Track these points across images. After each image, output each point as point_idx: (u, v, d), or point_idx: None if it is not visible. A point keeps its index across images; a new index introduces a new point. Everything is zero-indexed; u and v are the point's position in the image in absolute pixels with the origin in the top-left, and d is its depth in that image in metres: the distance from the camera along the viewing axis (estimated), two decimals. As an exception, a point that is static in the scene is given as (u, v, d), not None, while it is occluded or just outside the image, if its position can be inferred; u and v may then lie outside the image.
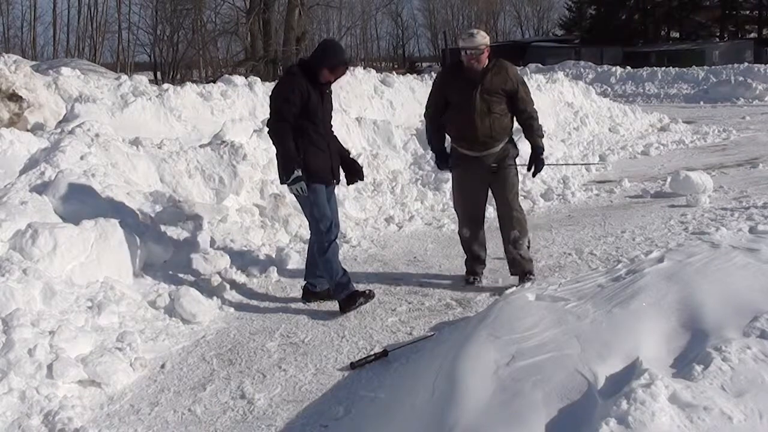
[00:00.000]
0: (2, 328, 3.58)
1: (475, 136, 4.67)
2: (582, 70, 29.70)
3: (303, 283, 4.79)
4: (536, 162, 4.86)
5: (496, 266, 5.17)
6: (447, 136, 4.97)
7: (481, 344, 2.93)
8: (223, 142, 6.81)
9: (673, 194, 7.53)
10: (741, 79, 21.93)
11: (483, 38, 4.60)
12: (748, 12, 46.69)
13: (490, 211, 5.49)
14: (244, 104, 9.64)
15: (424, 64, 50.25)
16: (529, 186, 7.67)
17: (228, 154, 6.54)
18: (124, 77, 10.42)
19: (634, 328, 2.80)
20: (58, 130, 7.06)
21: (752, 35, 45.62)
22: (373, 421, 3.08)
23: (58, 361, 3.44)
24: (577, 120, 12.91)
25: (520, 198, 5.34)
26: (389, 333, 4.20)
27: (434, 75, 21.52)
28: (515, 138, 4.97)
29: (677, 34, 47.21)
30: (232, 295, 4.81)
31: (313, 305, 4.68)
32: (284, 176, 4.38)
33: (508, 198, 4.81)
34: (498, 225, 4.97)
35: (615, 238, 6.03)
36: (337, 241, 4.57)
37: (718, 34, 46.31)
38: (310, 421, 3.22)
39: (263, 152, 6.88)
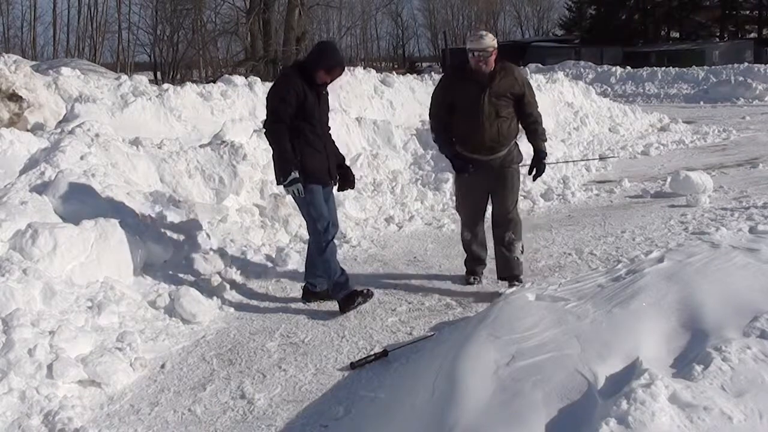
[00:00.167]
0: (2, 328, 3.58)
1: (482, 141, 4.60)
2: (582, 70, 29.70)
3: (303, 283, 4.79)
4: (538, 165, 4.81)
5: (495, 266, 5.16)
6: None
7: (481, 344, 2.93)
8: (223, 142, 6.81)
9: (673, 194, 7.53)
10: (741, 79, 21.93)
11: (492, 40, 4.51)
12: (748, 12, 46.70)
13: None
14: (244, 104, 9.64)
15: (424, 64, 50.26)
16: (529, 186, 7.67)
17: (228, 154, 6.54)
18: (124, 77, 10.42)
19: (634, 328, 2.80)
20: (58, 130, 7.06)
21: (752, 35, 45.63)
22: (373, 421, 3.08)
23: (58, 361, 3.44)
24: (577, 120, 12.91)
25: (520, 198, 5.34)
26: (389, 333, 4.20)
27: (434, 75, 21.39)
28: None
29: (677, 34, 47.23)
30: (232, 295, 4.81)
31: (313, 305, 4.68)
32: (281, 177, 4.39)
33: (507, 201, 4.78)
34: (492, 225, 4.91)
35: (615, 238, 6.03)
36: (336, 241, 4.57)
37: (718, 34, 46.32)
38: (310, 421, 3.22)
39: (263, 152, 6.88)
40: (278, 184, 4.53)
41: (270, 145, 4.43)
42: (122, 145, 6.25)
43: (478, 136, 4.59)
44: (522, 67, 26.93)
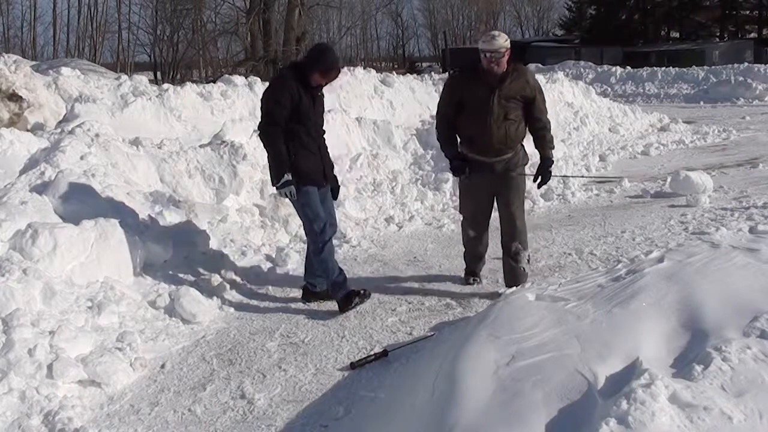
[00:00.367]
0: (2, 328, 3.58)
1: (489, 143, 4.53)
2: (582, 70, 29.71)
3: (303, 283, 4.79)
4: (543, 173, 4.75)
5: (496, 266, 5.16)
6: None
7: (481, 344, 2.93)
8: (223, 142, 6.81)
9: (673, 194, 7.53)
10: (741, 79, 21.94)
11: (504, 41, 4.42)
12: (748, 12, 46.71)
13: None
14: (244, 104, 9.64)
15: (424, 64, 50.28)
16: (528, 186, 7.64)
17: (228, 154, 6.54)
18: (124, 77, 10.42)
19: (634, 328, 2.79)
20: (58, 130, 7.06)
21: (752, 35, 45.65)
22: (373, 421, 3.08)
23: (58, 361, 3.44)
24: (577, 120, 12.91)
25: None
26: (389, 333, 4.20)
27: (434, 75, 21.27)
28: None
29: (677, 34, 47.24)
30: (232, 295, 4.81)
31: (313, 305, 4.68)
32: (274, 180, 4.40)
33: (513, 207, 4.70)
34: (499, 228, 4.84)
35: (615, 238, 6.03)
36: (336, 241, 4.57)
37: (718, 34, 46.33)
38: (310, 421, 3.22)
39: (263, 152, 6.83)
40: (273, 185, 4.54)
41: (264, 146, 4.44)
42: (122, 145, 6.25)
43: (486, 138, 4.53)
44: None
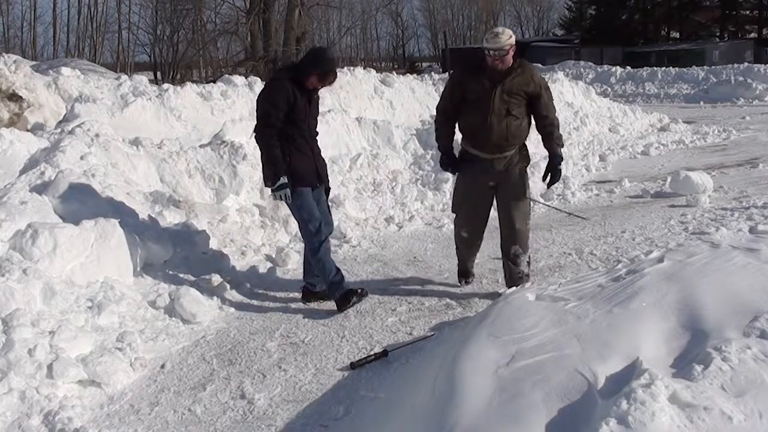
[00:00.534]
0: (2, 328, 3.58)
1: (488, 138, 4.43)
2: (582, 70, 29.73)
3: (302, 283, 4.79)
4: (553, 171, 4.62)
5: (496, 266, 5.16)
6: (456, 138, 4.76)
7: (481, 344, 2.93)
8: (223, 142, 6.81)
9: (673, 194, 7.53)
10: (741, 79, 21.96)
11: (508, 38, 4.33)
12: (748, 12, 46.71)
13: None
14: (244, 104, 9.64)
15: (424, 64, 50.30)
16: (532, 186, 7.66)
17: (228, 154, 6.54)
18: (124, 77, 10.42)
19: (634, 328, 2.80)
20: (58, 130, 7.06)
21: (752, 35, 45.66)
22: (373, 421, 3.08)
23: (58, 361, 3.44)
24: (577, 120, 12.91)
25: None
26: (389, 333, 4.20)
27: (434, 75, 21.17)
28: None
29: (677, 34, 47.25)
30: (232, 295, 4.81)
31: (313, 305, 4.68)
32: (269, 182, 4.42)
33: (512, 209, 4.58)
34: (499, 229, 4.75)
35: (615, 238, 6.03)
36: (336, 241, 4.57)
37: (718, 34, 46.33)
38: (310, 421, 3.22)
39: (263, 152, 6.88)
40: (266, 185, 4.56)
41: (259, 148, 4.43)
42: (122, 145, 6.25)
43: (486, 133, 4.44)
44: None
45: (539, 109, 4.52)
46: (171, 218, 5.56)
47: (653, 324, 2.82)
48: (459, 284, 4.99)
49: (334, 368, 3.76)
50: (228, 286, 4.87)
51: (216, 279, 4.90)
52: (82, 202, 4.97)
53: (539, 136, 4.68)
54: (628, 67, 28.69)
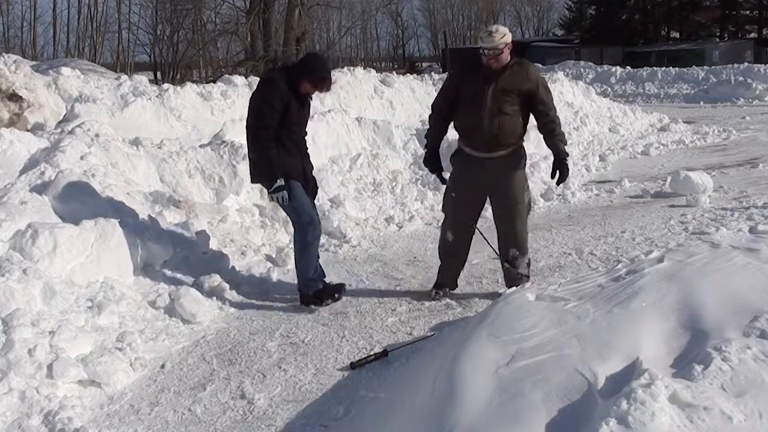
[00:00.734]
0: (2, 328, 3.58)
1: (480, 136, 4.37)
2: (582, 70, 29.74)
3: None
4: (560, 168, 4.46)
5: (496, 266, 5.16)
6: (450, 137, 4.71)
7: (481, 344, 2.93)
8: (223, 142, 6.81)
9: (673, 194, 7.53)
10: (741, 79, 21.97)
11: (502, 36, 4.27)
12: (748, 12, 46.73)
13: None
14: (244, 104, 9.50)
15: (424, 64, 50.29)
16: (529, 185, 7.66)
17: (228, 154, 6.54)
18: (124, 77, 10.43)
19: (634, 328, 2.79)
20: (58, 130, 7.06)
21: (752, 35, 45.67)
22: (373, 421, 3.08)
23: (58, 361, 3.44)
24: (577, 120, 12.92)
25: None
26: (389, 333, 4.20)
27: (434, 75, 21.19)
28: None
29: (677, 34, 47.26)
30: (232, 295, 4.80)
31: (313, 305, 4.67)
32: (266, 184, 4.44)
33: (508, 210, 4.51)
34: (496, 231, 4.70)
35: (615, 238, 6.03)
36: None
37: (718, 34, 46.34)
38: (310, 421, 3.22)
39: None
40: (252, 182, 4.65)
41: (253, 148, 4.42)
42: (122, 145, 6.25)
43: (478, 131, 4.36)
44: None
45: (538, 107, 4.43)
46: (171, 218, 5.55)
47: (653, 324, 2.82)
48: (429, 295, 4.71)
49: (334, 368, 3.76)
50: (228, 286, 4.87)
51: (216, 279, 4.90)
52: (82, 202, 4.97)
53: (540, 136, 4.62)
54: (628, 67, 28.70)
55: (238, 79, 10.55)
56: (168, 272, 4.94)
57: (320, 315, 4.52)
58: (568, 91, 14.41)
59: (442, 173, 4.76)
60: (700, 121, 15.32)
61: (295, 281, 4.87)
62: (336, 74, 11.05)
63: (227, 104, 9.49)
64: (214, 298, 4.67)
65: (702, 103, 20.65)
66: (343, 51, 52.93)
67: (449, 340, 3.58)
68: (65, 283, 4.26)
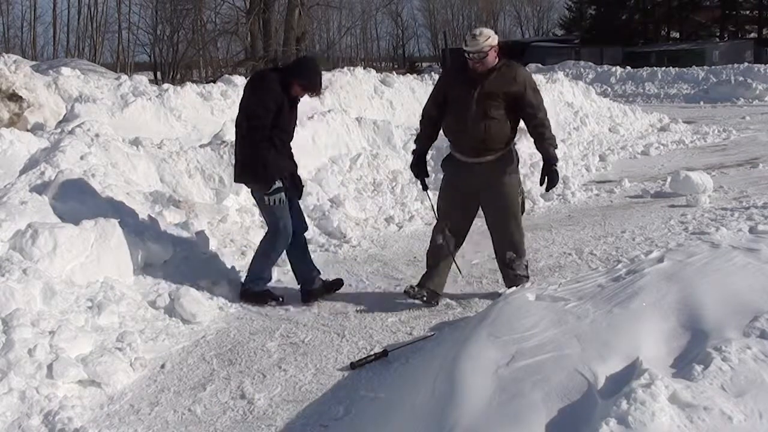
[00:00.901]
0: (2, 328, 3.58)
1: (468, 141, 4.32)
2: (582, 70, 29.72)
3: (298, 286, 4.80)
4: (549, 174, 4.39)
5: (496, 266, 5.15)
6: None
7: (481, 344, 2.93)
8: (223, 142, 6.81)
9: (673, 194, 7.53)
10: (741, 79, 21.97)
11: (486, 39, 4.18)
12: (748, 12, 46.74)
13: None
14: (244, 104, 9.64)
15: (424, 64, 50.26)
16: (528, 186, 7.66)
17: (228, 154, 6.54)
18: (124, 77, 10.44)
19: (634, 328, 2.79)
20: (58, 130, 7.07)
21: (752, 35, 45.68)
22: (373, 421, 3.08)
23: (58, 361, 3.44)
24: (577, 120, 12.92)
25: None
26: (389, 333, 4.20)
27: (434, 75, 21.27)
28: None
29: (677, 34, 47.27)
30: (232, 295, 4.80)
31: (313, 305, 4.68)
32: (264, 185, 4.45)
33: (500, 215, 4.45)
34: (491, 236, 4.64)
35: (615, 238, 6.03)
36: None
37: (718, 34, 46.35)
38: (310, 421, 3.22)
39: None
40: (235, 181, 4.72)
41: (249, 148, 4.43)
42: (122, 145, 6.25)
43: (465, 135, 4.32)
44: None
45: (526, 110, 4.34)
46: (171, 218, 5.55)
47: (653, 324, 2.82)
48: (405, 293, 4.55)
49: (334, 368, 3.76)
50: (228, 286, 4.87)
51: (216, 279, 4.90)
52: (82, 202, 4.97)
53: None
54: (628, 67, 28.70)
55: (238, 79, 10.54)
56: (168, 272, 4.93)
57: (320, 315, 4.52)
58: (568, 91, 14.40)
59: (426, 179, 4.71)
60: (700, 121, 15.32)
61: (295, 281, 4.88)
62: (336, 74, 11.06)
63: (227, 104, 9.49)
64: (214, 298, 4.68)
65: (702, 103, 20.66)
66: (343, 51, 53.01)
67: (449, 340, 3.58)
68: (65, 283, 4.26)
